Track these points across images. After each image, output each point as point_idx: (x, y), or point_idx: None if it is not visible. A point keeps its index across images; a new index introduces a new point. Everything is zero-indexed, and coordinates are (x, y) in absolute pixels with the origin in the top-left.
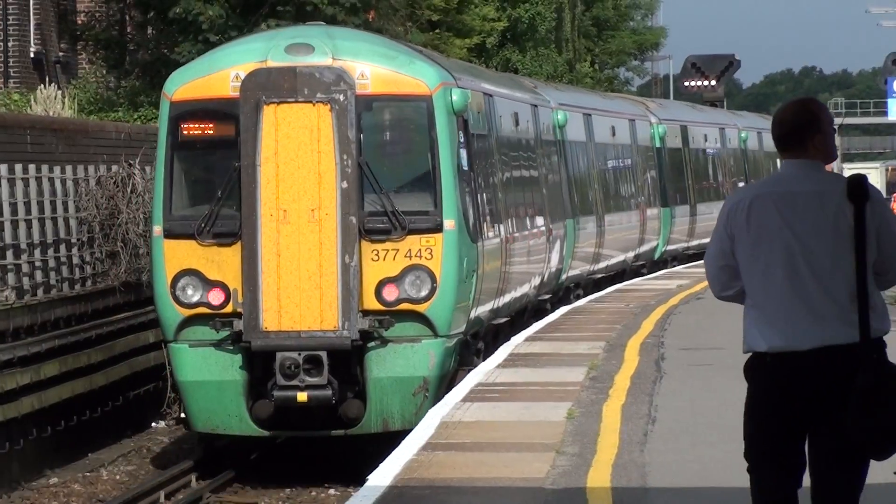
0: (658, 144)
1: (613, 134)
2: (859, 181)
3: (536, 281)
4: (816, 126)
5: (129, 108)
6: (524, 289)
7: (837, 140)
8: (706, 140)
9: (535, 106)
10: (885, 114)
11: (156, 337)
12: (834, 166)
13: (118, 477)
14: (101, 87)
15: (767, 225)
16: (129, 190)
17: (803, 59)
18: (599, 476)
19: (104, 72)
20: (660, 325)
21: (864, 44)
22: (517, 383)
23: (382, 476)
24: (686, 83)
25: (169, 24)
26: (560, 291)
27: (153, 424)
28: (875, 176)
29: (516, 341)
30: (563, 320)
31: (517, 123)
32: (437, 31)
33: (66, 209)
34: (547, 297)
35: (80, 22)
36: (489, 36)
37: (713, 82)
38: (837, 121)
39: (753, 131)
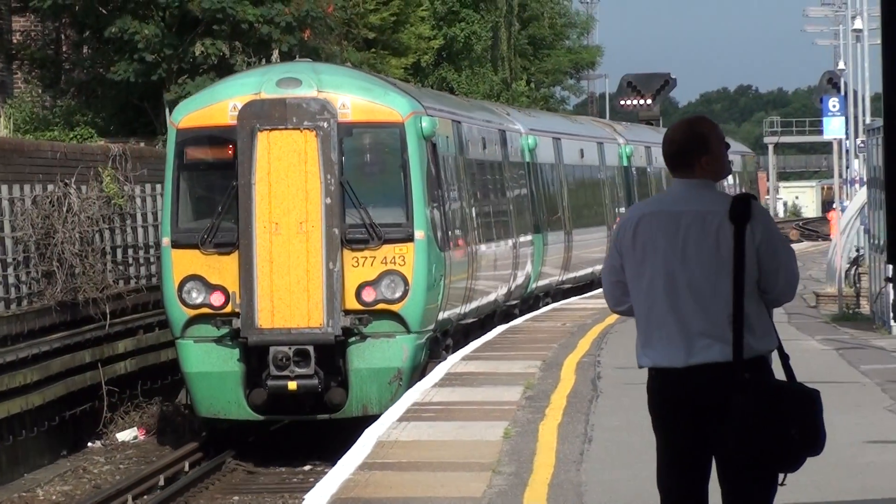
0: (625, 164)
1: (582, 156)
2: (744, 201)
3: (504, 289)
4: (704, 147)
5: (65, 128)
6: (492, 295)
7: (772, 159)
8: (656, 161)
9: (504, 131)
10: (820, 132)
11: (92, 357)
12: (769, 185)
13: (54, 497)
14: (36, 107)
15: (651, 244)
16: (64, 210)
17: (739, 77)
18: (536, 495)
19: (40, 91)
20: (596, 344)
21: (799, 62)
22: (453, 403)
23: (319, 496)
24: (622, 102)
25: (105, 44)
26: (530, 299)
27: (89, 444)
28: (811, 194)
29: (452, 360)
30: (500, 339)
31: (484, 147)
32: (374, 49)
33: (1, 229)
34: (515, 303)
35: (15, 41)
36: (425, 55)
37: (649, 101)
38: (773, 139)
39: None
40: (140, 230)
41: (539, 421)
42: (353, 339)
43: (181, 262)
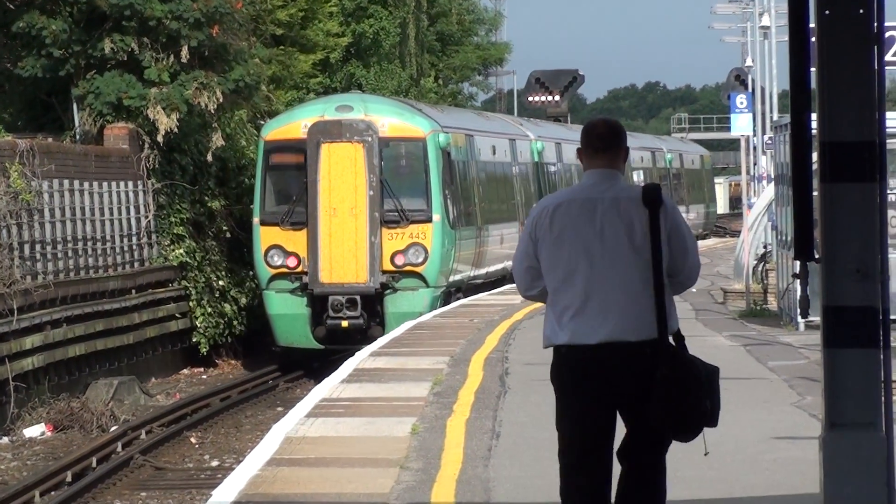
0: None
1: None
2: (655, 188)
3: (511, 260)
4: (625, 140)
5: None
6: (500, 263)
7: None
8: (643, 161)
9: (514, 139)
10: (728, 129)
11: None
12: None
13: None
14: None
15: (569, 229)
16: None
17: (647, 74)
18: (444, 491)
19: None
20: (504, 340)
21: (707, 59)
22: (361, 399)
23: (226, 492)
24: (530, 98)
25: (12, 39)
26: None
27: None
28: (719, 191)
29: (361, 356)
30: (408, 335)
31: (494, 153)
32: (282, 46)
33: None
34: None
35: None
36: (333, 51)
37: (557, 97)
38: (680, 136)
39: (676, 153)
40: (48, 226)
41: (447, 417)
42: (388, 291)
43: (266, 236)
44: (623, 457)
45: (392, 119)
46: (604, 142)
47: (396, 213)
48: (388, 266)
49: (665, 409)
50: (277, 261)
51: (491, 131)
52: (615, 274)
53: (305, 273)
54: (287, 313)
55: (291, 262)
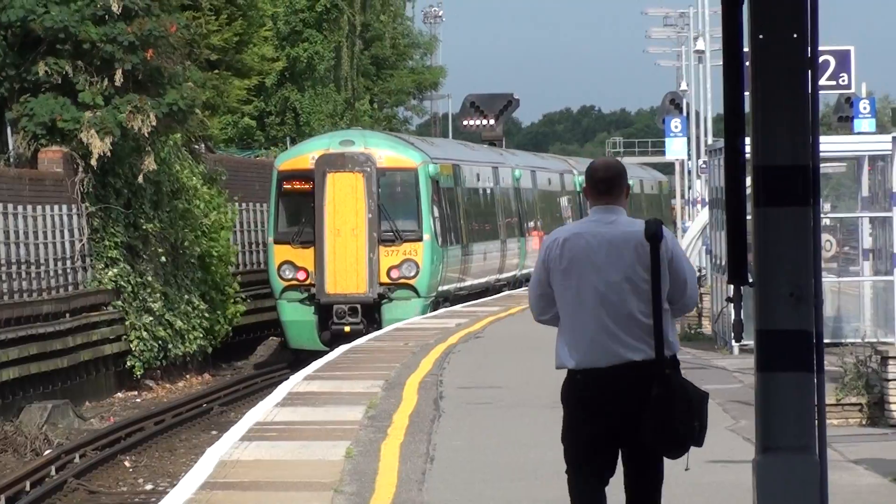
0: (578, 189)
1: (549, 182)
2: (656, 224)
3: (494, 273)
4: (626, 179)
5: None
6: (484, 277)
7: None
8: None
9: (496, 168)
10: (663, 153)
11: None
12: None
13: None
14: None
15: (578, 259)
16: None
17: (582, 98)
18: None
19: None
20: (439, 363)
21: (642, 83)
22: (296, 422)
23: None
24: (465, 122)
25: None
26: (515, 282)
27: None
28: None
29: (295, 380)
30: (342, 359)
31: (478, 179)
32: (217, 70)
33: None
34: (505, 283)
35: None
36: (268, 75)
37: (492, 121)
38: (617, 157)
39: (637, 179)
40: None
41: (381, 440)
42: (385, 301)
43: (279, 253)
44: (624, 471)
45: (388, 152)
46: (606, 184)
47: (392, 233)
48: (384, 279)
49: (657, 425)
50: (289, 274)
51: (475, 161)
52: (619, 302)
53: (313, 285)
54: (297, 320)
55: (301, 275)
